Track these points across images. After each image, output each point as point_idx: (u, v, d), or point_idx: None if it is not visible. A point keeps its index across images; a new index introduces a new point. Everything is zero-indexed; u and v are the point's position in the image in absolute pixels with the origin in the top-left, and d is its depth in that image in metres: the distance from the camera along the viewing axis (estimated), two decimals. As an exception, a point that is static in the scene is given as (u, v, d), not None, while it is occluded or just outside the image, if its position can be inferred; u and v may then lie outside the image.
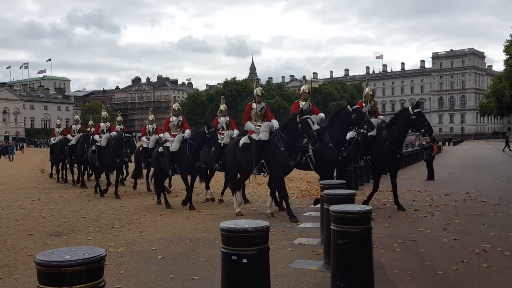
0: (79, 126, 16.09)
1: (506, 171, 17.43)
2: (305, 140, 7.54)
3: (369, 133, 8.60)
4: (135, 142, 12.57)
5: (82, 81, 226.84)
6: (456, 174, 16.94)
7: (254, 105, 8.87)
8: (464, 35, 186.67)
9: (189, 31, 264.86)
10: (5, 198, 11.85)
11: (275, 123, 8.50)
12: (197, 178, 10.30)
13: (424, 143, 17.77)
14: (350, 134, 8.53)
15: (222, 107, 10.84)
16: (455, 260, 5.23)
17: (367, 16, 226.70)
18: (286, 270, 4.94)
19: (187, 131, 9.96)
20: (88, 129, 15.48)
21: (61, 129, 17.28)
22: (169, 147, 9.66)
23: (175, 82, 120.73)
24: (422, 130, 8.64)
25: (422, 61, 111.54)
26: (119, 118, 15.29)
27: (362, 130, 8.32)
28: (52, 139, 17.34)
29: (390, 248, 5.80)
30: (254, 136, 8.32)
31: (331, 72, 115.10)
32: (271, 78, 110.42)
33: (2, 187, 14.67)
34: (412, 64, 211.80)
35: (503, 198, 10.10)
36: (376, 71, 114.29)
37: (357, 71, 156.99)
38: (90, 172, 15.66)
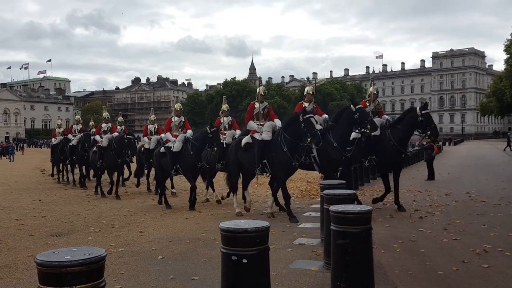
0: (80, 126, 16.09)
1: (507, 171, 17.42)
2: (308, 139, 7.47)
3: (373, 133, 8.52)
4: (136, 144, 12.54)
5: (82, 81, 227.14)
6: (456, 174, 16.93)
7: (256, 104, 8.81)
8: (464, 35, 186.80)
9: (188, 31, 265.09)
10: (6, 199, 11.85)
11: (278, 122, 8.45)
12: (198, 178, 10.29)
13: (424, 143, 17.76)
14: (353, 135, 8.46)
15: (225, 107, 10.79)
16: (455, 260, 5.23)
17: (367, 16, 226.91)
18: (286, 271, 4.94)
19: (189, 131, 9.94)
20: (89, 129, 15.46)
21: (62, 130, 17.25)
22: (171, 147, 9.63)
23: (175, 82, 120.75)
24: (428, 132, 8.59)
25: (422, 61, 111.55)
26: (120, 118, 15.28)
27: (365, 130, 8.27)
28: (53, 139, 17.32)
29: (390, 248, 5.80)
30: (256, 136, 8.27)
31: (331, 72, 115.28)
32: (271, 78, 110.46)
33: (2, 188, 14.68)
34: (412, 64, 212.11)
35: (504, 198, 10.09)
36: (376, 71, 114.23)
37: (357, 71, 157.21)
38: (88, 173, 15.56)
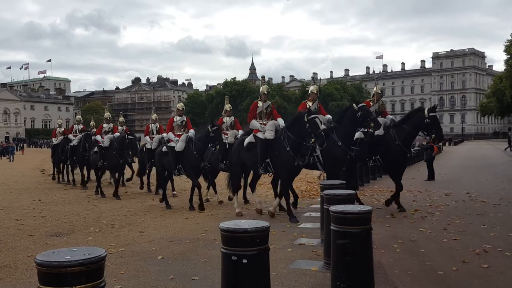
0: (81, 126, 16.03)
1: (507, 171, 17.42)
2: (312, 140, 7.42)
3: (376, 133, 8.48)
4: (138, 144, 12.47)
5: (82, 81, 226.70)
6: (456, 174, 16.94)
7: (259, 103, 8.74)
8: (464, 35, 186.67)
9: (188, 31, 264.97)
10: (6, 199, 11.85)
11: (281, 121, 8.38)
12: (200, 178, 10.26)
13: (424, 143, 17.77)
14: (357, 135, 8.41)
15: (227, 107, 10.75)
16: (455, 261, 5.23)
17: (367, 17, 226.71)
18: (286, 271, 4.94)
19: (191, 131, 9.89)
20: (89, 129, 15.43)
21: (63, 129, 17.23)
22: (174, 147, 9.57)
23: (175, 82, 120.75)
24: (433, 135, 8.54)
25: (423, 61, 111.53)
26: (121, 119, 15.24)
27: (368, 129, 8.19)
28: (53, 139, 17.29)
29: (390, 249, 5.80)
30: (259, 135, 8.22)
31: (331, 72, 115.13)
32: (271, 79, 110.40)
33: (2, 188, 14.68)
34: (412, 64, 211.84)
35: (504, 198, 10.09)
36: (376, 71, 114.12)
37: (357, 71, 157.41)
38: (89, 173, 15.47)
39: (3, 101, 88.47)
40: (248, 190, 10.36)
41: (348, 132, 8.18)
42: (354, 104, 8.29)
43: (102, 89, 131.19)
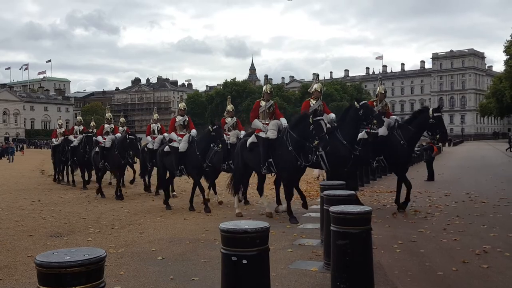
0: (81, 127, 15.98)
1: (506, 172, 17.43)
2: (316, 142, 7.34)
3: (380, 133, 8.44)
4: (139, 145, 12.38)
5: (82, 82, 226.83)
6: (456, 175, 16.94)
7: (262, 103, 8.66)
8: (464, 36, 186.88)
9: (188, 32, 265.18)
10: (5, 199, 11.84)
11: (283, 121, 8.30)
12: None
13: (424, 143, 17.76)
14: (360, 135, 8.36)
15: (230, 107, 10.71)
16: (455, 261, 5.23)
17: (366, 17, 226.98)
18: (286, 271, 4.94)
19: (194, 131, 9.82)
20: (90, 130, 15.38)
21: (63, 130, 17.19)
22: (177, 147, 9.49)
23: (175, 83, 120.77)
24: (438, 136, 8.50)
25: (422, 62, 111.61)
26: (122, 119, 15.18)
27: (371, 126, 8.10)
28: (53, 140, 17.24)
29: (390, 249, 5.80)
30: (261, 134, 8.16)
31: (331, 72, 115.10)
32: (271, 79, 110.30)
33: (2, 188, 14.67)
34: (412, 64, 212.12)
35: (503, 199, 10.10)
36: (376, 72, 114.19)
37: (357, 71, 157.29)
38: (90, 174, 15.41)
39: (2, 102, 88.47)
40: (253, 192, 10.35)
41: (351, 131, 8.10)
42: (355, 102, 8.23)
43: (102, 90, 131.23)
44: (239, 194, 9.34)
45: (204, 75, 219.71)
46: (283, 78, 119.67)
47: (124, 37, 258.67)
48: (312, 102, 8.74)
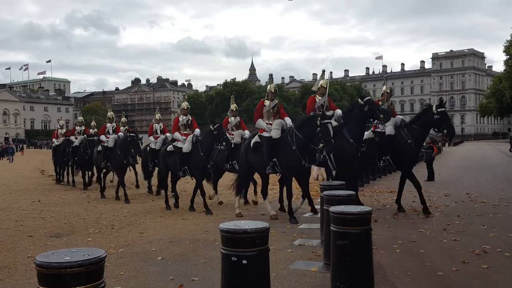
0: (83, 127, 15.92)
1: (506, 172, 17.42)
2: (321, 145, 7.27)
3: (387, 132, 8.35)
4: (140, 143, 12.26)
5: (81, 82, 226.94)
6: (456, 175, 16.94)
7: (266, 102, 8.56)
8: (464, 36, 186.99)
9: (188, 32, 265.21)
10: (5, 200, 11.84)
11: (288, 121, 8.21)
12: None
13: (424, 144, 17.74)
14: (366, 134, 8.24)
15: (233, 106, 10.65)
16: (455, 261, 5.23)
17: (366, 17, 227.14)
18: (286, 271, 4.94)
19: (197, 131, 9.70)
20: (91, 130, 15.34)
21: (64, 131, 17.15)
22: (181, 147, 9.39)
23: (174, 83, 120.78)
24: (445, 131, 8.38)
25: (422, 62, 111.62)
26: (123, 119, 15.10)
27: (377, 123, 8.00)
28: (54, 140, 17.20)
29: (390, 249, 5.80)
30: (265, 134, 8.08)
31: (331, 72, 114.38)
32: (268, 79, 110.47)
33: (2, 189, 14.67)
34: (412, 64, 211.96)
35: (503, 199, 10.09)
36: (376, 72, 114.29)
37: (357, 71, 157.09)
38: (92, 175, 15.32)
39: (2, 102, 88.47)
40: (252, 192, 10.31)
41: (358, 129, 8.00)
42: (359, 99, 8.13)
43: (101, 90, 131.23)
44: (241, 195, 9.29)
45: (204, 75, 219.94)
46: (283, 78, 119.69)
47: (124, 37, 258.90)
48: (318, 98, 8.67)
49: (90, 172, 14.96)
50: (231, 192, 9.79)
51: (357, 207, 3.75)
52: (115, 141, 11.83)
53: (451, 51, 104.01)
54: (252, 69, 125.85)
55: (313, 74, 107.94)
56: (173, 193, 10.86)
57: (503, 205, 9.27)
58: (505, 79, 51.34)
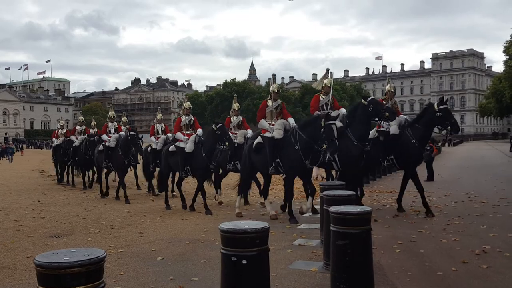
0: (83, 127, 15.89)
1: (506, 172, 17.43)
2: (325, 146, 7.23)
3: (391, 132, 8.32)
4: (141, 141, 12.18)
5: (81, 82, 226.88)
6: (455, 175, 16.94)
7: (269, 102, 8.52)
8: (464, 36, 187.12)
9: (188, 32, 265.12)
10: (5, 200, 11.84)
11: (291, 121, 8.17)
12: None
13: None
14: (370, 134, 8.20)
15: (235, 106, 10.61)
16: (454, 261, 5.23)
17: (366, 17, 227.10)
18: (286, 271, 4.94)
19: (199, 131, 9.67)
20: (91, 129, 15.32)
21: (65, 130, 17.12)
22: (183, 147, 9.33)
23: (174, 83, 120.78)
24: (449, 127, 8.29)
25: (422, 62, 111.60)
26: (124, 118, 15.05)
27: (381, 122, 7.95)
28: (54, 140, 17.17)
29: (390, 249, 5.80)
30: (267, 134, 8.04)
31: (331, 72, 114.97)
32: (270, 79, 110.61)
33: (1, 189, 14.66)
34: (411, 65, 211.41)
35: (503, 199, 10.10)
36: (376, 72, 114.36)
37: (357, 72, 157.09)
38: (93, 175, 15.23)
39: (2, 102, 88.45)
40: (253, 192, 10.27)
41: (363, 129, 7.93)
42: (363, 100, 8.06)
43: (101, 90, 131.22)
44: (243, 195, 9.25)
45: (204, 75, 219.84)
46: (283, 78, 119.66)
47: (123, 37, 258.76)
48: (322, 96, 8.63)
49: (91, 172, 14.92)
50: (232, 192, 9.76)
51: (357, 207, 3.75)
52: (116, 141, 11.77)
53: (451, 51, 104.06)
54: (252, 69, 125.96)
55: (313, 74, 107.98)
56: (173, 194, 10.87)
57: (502, 205, 9.28)
58: (505, 79, 51.38)
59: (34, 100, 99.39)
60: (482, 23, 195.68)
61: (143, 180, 13.60)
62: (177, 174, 10.34)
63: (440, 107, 8.29)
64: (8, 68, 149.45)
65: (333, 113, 7.92)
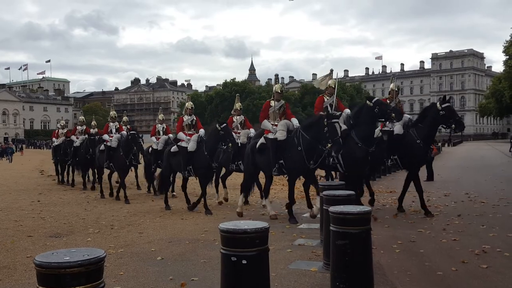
0: (84, 127, 15.88)
1: (506, 172, 17.43)
2: (329, 145, 7.19)
3: (396, 132, 8.28)
4: (141, 141, 12.13)
5: (81, 82, 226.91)
6: (455, 175, 16.95)
7: (272, 103, 8.45)
8: (463, 36, 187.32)
9: (188, 32, 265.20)
10: (5, 200, 11.83)
11: (295, 122, 8.11)
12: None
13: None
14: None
15: (237, 105, 10.55)
16: (454, 261, 5.23)
17: (366, 17, 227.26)
18: (286, 271, 4.94)
19: (202, 131, 9.62)
20: (91, 130, 15.31)
21: (65, 130, 17.10)
22: (185, 147, 9.27)
23: (174, 83, 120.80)
24: (453, 126, 8.17)
25: (422, 62, 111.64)
26: (125, 118, 15.03)
27: (387, 123, 7.89)
28: (54, 140, 17.14)
29: (390, 249, 5.80)
30: (270, 135, 7.99)
31: (334, 72, 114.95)
32: (270, 79, 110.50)
33: (1, 189, 14.66)
34: (411, 65, 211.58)
35: (503, 199, 10.10)
36: (376, 72, 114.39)
37: (357, 72, 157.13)
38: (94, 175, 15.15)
39: (2, 102, 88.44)
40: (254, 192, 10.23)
41: (368, 130, 7.85)
42: (367, 101, 7.94)
43: (101, 90, 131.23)
44: (246, 195, 9.22)
45: (204, 75, 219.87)
46: (282, 78, 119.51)
47: (123, 37, 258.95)
48: (326, 98, 8.58)
49: (91, 173, 14.89)
50: (232, 192, 9.74)
51: (357, 207, 3.75)
52: (118, 141, 11.74)
53: (451, 51, 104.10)
54: (252, 69, 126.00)
55: (313, 74, 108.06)
56: (173, 194, 10.83)
57: (502, 205, 9.28)
58: (505, 79, 51.42)
59: (33, 100, 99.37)
60: (482, 23, 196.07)
61: (143, 180, 13.60)
62: (177, 176, 10.33)
63: (443, 106, 8.18)
64: (8, 68, 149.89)
65: (337, 114, 7.87)
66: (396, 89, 9.45)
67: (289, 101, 76.09)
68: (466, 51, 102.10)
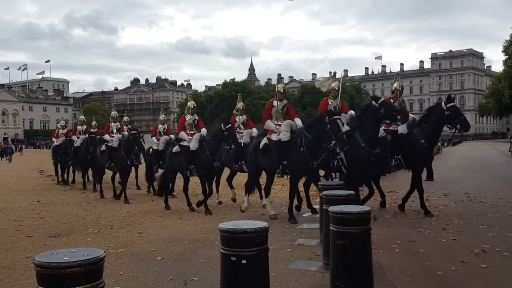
0: (84, 127, 15.88)
1: (505, 172, 17.44)
2: (333, 142, 7.17)
3: (400, 131, 8.25)
4: (142, 140, 12.12)
5: (81, 82, 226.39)
6: (455, 174, 16.95)
7: (275, 103, 8.44)
8: (463, 36, 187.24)
9: (187, 32, 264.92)
10: (4, 200, 11.83)
11: (298, 122, 8.08)
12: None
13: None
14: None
15: (240, 105, 10.54)
16: (454, 261, 5.23)
17: (366, 17, 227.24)
18: (286, 271, 4.94)
19: (204, 130, 9.59)
20: (91, 130, 15.30)
21: (66, 130, 17.10)
22: (187, 146, 9.24)
23: (174, 83, 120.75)
24: (458, 126, 8.12)
25: (421, 62, 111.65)
26: (125, 118, 15.04)
27: (392, 124, 7.86)
28: (54, 140, 17.14)
29: (389, 249, 5.80)
30: (273, 136, 7.95)
31: (330, 73, 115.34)
32: (270, 79, 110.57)
33: (1, 189, 14.66)
34: (411, 65, 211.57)
35: (502, 199, 10.10)
36: (375, 72, 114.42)
37: (356, 72, 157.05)
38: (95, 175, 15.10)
39: (1, 102, 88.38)
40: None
41: (372, 131, 7.78)
42: (373, 102, 7.88)
43: (101, 90, 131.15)
44: (250, 194, 9.21)
45: (203, 75, 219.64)
46: (282, 78, 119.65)
47: (123, 37, 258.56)
48: (330, 100, 8.58)
49: (92, 174, 14.87)
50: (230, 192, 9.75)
51: (357, 207, 3.75)
52: (119, 141, 11.71)
53: (450, 51, 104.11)
54: (252, 69, 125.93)
55: (312, 74, 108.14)
56: (173, 194, 10.79)
57: (502, 205, 9.28)
58: (504, 79, 51.48)
59: (33, 100, 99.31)
60: (482, 23, 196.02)
61: (143, 180, 13.60)
62: (177, 176, 10.31)
63: (448, 105, 8.12)
64: (7, 68, 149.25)
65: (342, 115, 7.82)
66: (400, 89, 9.36)
67: (289, 101, 76.32)
68: (466, 51, 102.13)
